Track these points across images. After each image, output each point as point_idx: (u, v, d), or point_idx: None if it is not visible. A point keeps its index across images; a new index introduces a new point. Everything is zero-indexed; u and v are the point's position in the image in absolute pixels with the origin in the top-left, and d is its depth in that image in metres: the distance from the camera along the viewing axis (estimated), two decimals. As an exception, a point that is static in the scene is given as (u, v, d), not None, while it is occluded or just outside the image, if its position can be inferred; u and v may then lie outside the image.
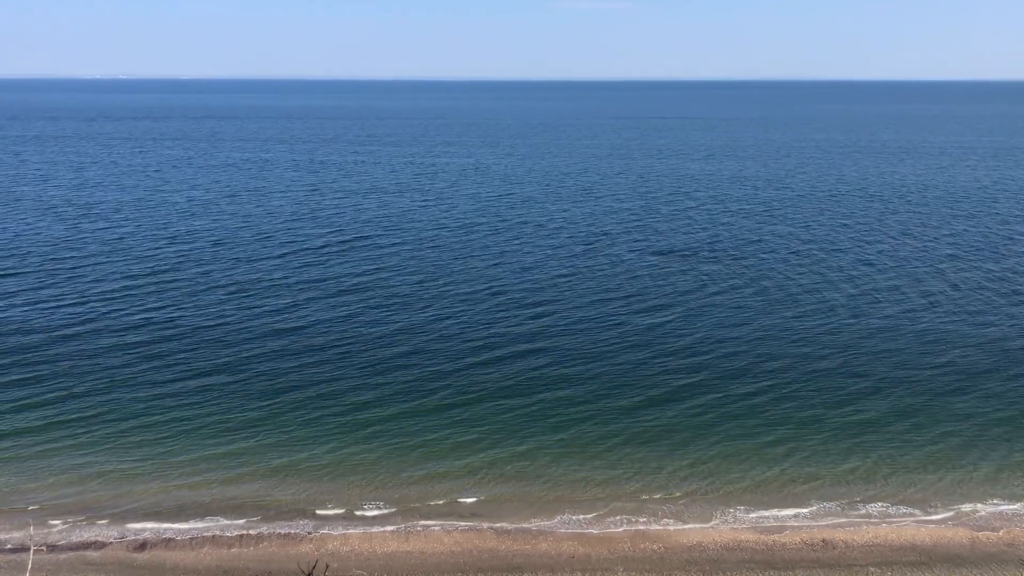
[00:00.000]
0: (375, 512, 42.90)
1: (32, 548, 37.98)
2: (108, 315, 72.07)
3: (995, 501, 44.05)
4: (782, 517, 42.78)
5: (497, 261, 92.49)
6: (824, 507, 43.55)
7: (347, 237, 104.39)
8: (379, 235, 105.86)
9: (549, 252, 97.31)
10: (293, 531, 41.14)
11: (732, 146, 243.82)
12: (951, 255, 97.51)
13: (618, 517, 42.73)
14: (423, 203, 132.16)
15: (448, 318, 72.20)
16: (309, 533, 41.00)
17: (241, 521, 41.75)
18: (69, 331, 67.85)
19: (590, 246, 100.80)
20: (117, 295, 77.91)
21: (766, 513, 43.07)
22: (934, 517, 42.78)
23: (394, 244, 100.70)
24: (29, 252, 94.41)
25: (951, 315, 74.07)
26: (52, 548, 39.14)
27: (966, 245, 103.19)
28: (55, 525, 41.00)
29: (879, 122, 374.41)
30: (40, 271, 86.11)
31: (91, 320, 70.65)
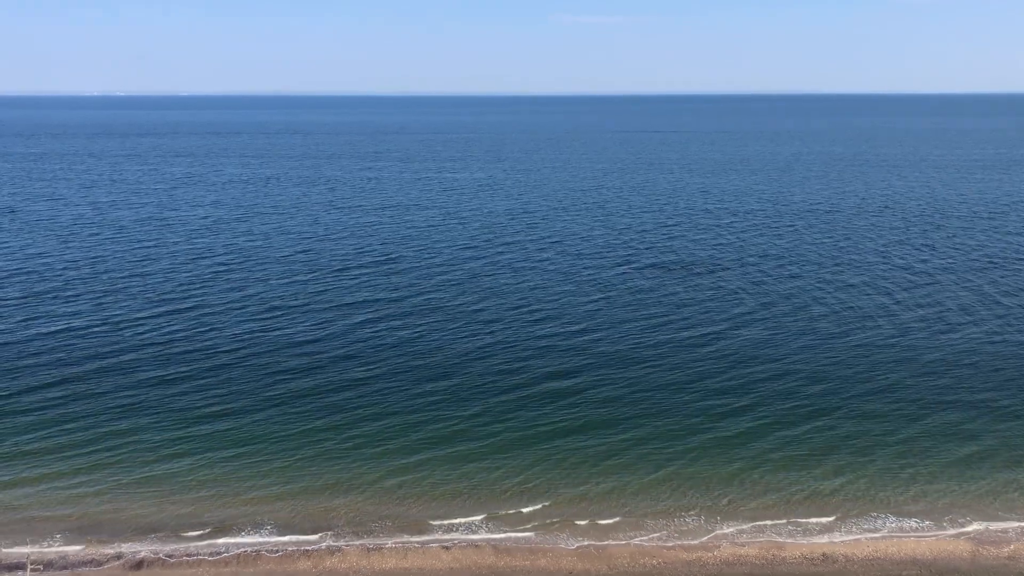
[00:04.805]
0: (374, 529, 42.75)
1: (29, 566, 37.95)
2: (115, 336, 72.22)
3: (1000, 516, 43.72)
4: (782, 531, 42.52)
5: (523, 281, 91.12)
6: (825, 521, 43.28)
7: (367, 257, 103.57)
8: (397, 255, 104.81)
9: (578, 270, 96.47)
10: (291, 548, 41.01)
11: (738, 160, 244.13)
12: (947, 266, 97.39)
13: (617, 533, 42.52)
14: (440, 220, 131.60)
15: (464, 335, 72.22)
16: (307, 550, 40.88)
17: (239, 539, 41.62)
18: (74, 351, 67.99)
19: (617, 264, 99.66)
20: (129, 316, 78.10)
21: (766, 528, 42.82)
22: (936, 531, 42.50)
23: (415, 264, 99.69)
24: (49, 273, 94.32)
25: (970, 327, 73.79)
26: (49, 566, 39.04)
27: (980, 256, 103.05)
28: (52, 544, 40.90)
29: (882, 135, 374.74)
30: (59, 291, 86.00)
31: (98, 341, 70.81)
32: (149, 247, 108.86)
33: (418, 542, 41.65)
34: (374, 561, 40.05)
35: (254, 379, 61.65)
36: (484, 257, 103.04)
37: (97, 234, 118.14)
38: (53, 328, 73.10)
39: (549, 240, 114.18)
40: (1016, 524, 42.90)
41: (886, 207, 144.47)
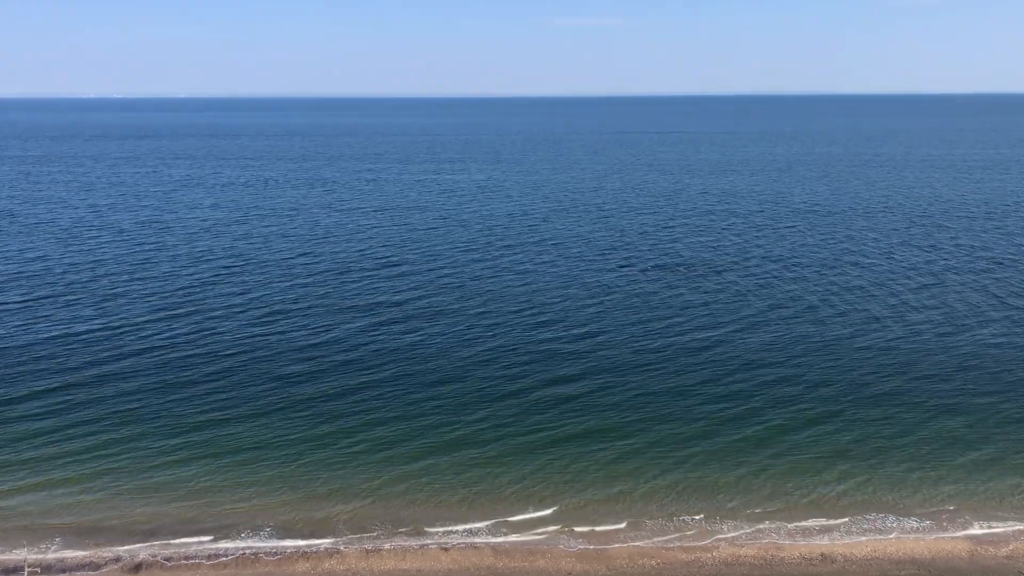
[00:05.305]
0: (374, 532, 42.65)
1: (27, 569, 37.86)
2: (115, 341, 72.11)
3: (1000, 518, 43.62)
4: (781, 532, 42.46)
5: (525, 284, 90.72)
6: (825, 523, 43.20)
7: (368, 260, 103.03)
8: (398, 258, 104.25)
9: (580, 272, 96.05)
10: (290, 551, 40.95)
11: (738, 160, 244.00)
12: (951, 267, 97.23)
13: (618, 535, 42.44)
14: (441, 222, 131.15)
15: (466, 339, 72.06)
16: (306, 552, 40.81)
17: (237, 542, 41.56)
18: (74, 356, 67.87)
19: (619, 266, 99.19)
20: (129, 320, 77.92)
21: (767, 530, 42.72)
22: (935, 531, 42.41)
23: (416, 267, 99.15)
24: (49, 276, 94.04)
25: (976, 330, 73.49)
26: (47, 569, 39.00)
27: (984, 257, 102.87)
28: (51, 548, 40.83)
29: (882, 135, 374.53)
30: (58, 295, 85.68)
31: (98, 346, 70.67)
32: (149, 250, 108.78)
33: (416, 544, 41.56)
34: (373, 563, 39.98)
35: (255, 384, 61.56)
36: (485, 260, 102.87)
37: (97, 237, 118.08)
38: (53, 333, 73.02)
39: (550, 242, 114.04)
40: (1016, 526, 42.76)
41: (887, 207, 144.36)
